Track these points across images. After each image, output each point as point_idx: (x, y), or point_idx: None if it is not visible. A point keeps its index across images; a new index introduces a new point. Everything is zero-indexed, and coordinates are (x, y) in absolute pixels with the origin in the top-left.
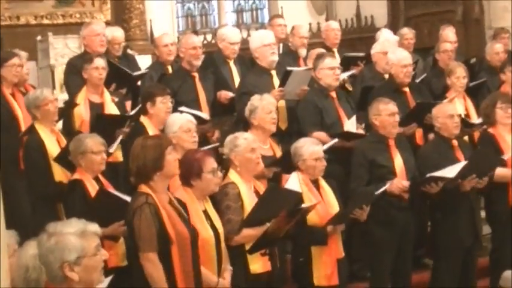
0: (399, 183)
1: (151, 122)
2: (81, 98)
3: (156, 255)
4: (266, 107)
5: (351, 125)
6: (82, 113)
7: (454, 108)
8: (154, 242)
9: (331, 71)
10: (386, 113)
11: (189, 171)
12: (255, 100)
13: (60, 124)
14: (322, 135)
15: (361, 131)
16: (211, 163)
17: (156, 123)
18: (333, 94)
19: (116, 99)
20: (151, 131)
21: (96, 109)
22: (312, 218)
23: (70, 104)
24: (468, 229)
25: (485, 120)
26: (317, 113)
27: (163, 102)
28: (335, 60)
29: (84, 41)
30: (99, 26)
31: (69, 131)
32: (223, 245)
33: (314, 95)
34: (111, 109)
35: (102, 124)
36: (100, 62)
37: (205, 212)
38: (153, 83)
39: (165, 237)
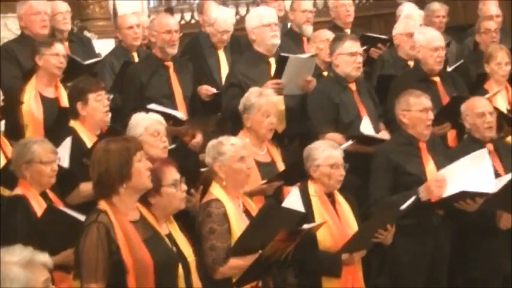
0: (434, 181)
1: (85, 127)
2: (30, 91)
3: (100, 287)
4: (264, 108)
5: (365, 125)
6: (33, 109)
7: (486, 105)
8: (99, 270)
9: (351, 58)
10: (417, 109)
11: None
12: (253, 95)
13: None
14: (337, 136)
15: (385, 134)
16: (172, 174)
17: (91, 127)
18: (353, 86)
19: None
20: (86, 137)
21: (50, 105)
22: (325, 241)
23: (13, 100)
24: (508, 252)
25: None
26: (332, 108)
27: (97, 100)
28: (357, 44)
29: (22, 21)
30: (39, 2)
31: (15, 134)
32: (194, 276)
33: (329, 86)
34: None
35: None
36: (61, 48)
37: (169, 237)
38: (115, 73)
39: (119, 265)
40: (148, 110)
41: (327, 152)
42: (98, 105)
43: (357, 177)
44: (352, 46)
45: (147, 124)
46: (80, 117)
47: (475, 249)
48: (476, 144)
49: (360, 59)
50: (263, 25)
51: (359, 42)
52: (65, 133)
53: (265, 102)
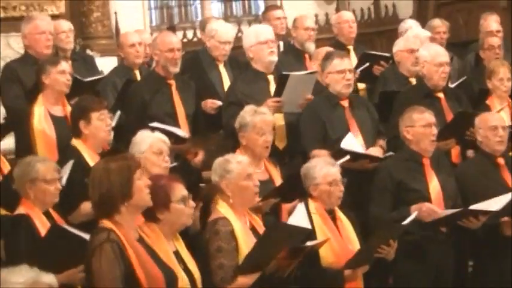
0: (429, 209)
1: (87, 145)
2: (39, 110)
3: None
4: (259, 125)
5: (350, 140)
6: (45, 128)
7: (500, 119)
8: (117, 287)
9: (340, 75)
10: (421, 124)
11: (154, 202)
12: (248, 113)
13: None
14: (323, 153)
15: (375, 150)
16: (180, 190)
17: (93, 146)
18: (345, 103)
19: None
20: (88, 156)
21: (60, 123)
22: (327, 257)
23: (19, 120)
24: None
25: None
26: (319, 125)
27: (100, 119)
28: (346, 61)
29: (26, 40)
30: (44, 21)
31: (26, 153)
32: None
33: (318, 103)
34: None
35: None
36: (67, 66)
37: (176, 254)
38: (116, 92)
39: (133, 282)
40: (151, 128)
41: (325, 170)
42: (101, 124)
43: (351, 194)
44: (340, 64)
45: (152, 142)
46: (83, 136)
47: (480, 262)
48: (487, 158)
49: (350, 75)
50: (260, 42)
51: (348, 59)
52: (68, 151)
53: (259, 120)
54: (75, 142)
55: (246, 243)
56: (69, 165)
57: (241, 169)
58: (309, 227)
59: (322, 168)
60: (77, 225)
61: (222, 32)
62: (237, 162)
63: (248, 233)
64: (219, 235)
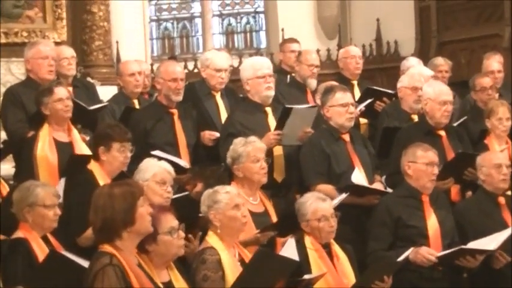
0: (426, 253)
1: (103, 170)
2: (44, 137)
3: None
4: (252, 154)
5: (356, 176)
6: (48, 156)
7: (503, 158)
8: None
9: (343, 109)
10: (423, 162)
11: None
12: (238, 145)
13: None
14: (329, 188)
15: (379, 185)
16: (168, 221)
17: (109, 172)
18: (346, 137)
19: (87, 138)
20: (102, 180)
21: (65, 150)
22: None
23: (21, 145)
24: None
25: None
26: (323, 159)
27: (120, 151)
28: (348, 95)
29: (28, 64)
30: (47, 47)
31: (25, 177)
32: None
33: (321, 137)
34: (83, 149)
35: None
36: (63, 92)
37: (169, 284)
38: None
39: None
40: (153, 157)
41: (314, 206)
42: (119, 155)
43: (350, 228)
44: (343, 97)
45: (156, 171)
46: (100, 161)
47: None
48: (488, 197)
49: (352, 109)
50: (257, 77)
51: (350, 92)
52: (82, 175)
53: (252, 149)
54: (92, 165)
55: (233, 273)
56: (61, 182)
57: (229, 199)
58: (297, 259)
59: (312, 204)
60: (77, 251)
61: (216, 59)
62: (225, 192)
63: (235, 264)
64: (206, 264)
